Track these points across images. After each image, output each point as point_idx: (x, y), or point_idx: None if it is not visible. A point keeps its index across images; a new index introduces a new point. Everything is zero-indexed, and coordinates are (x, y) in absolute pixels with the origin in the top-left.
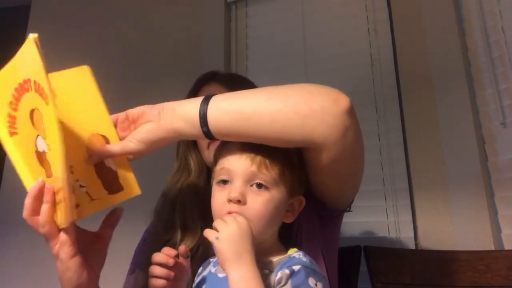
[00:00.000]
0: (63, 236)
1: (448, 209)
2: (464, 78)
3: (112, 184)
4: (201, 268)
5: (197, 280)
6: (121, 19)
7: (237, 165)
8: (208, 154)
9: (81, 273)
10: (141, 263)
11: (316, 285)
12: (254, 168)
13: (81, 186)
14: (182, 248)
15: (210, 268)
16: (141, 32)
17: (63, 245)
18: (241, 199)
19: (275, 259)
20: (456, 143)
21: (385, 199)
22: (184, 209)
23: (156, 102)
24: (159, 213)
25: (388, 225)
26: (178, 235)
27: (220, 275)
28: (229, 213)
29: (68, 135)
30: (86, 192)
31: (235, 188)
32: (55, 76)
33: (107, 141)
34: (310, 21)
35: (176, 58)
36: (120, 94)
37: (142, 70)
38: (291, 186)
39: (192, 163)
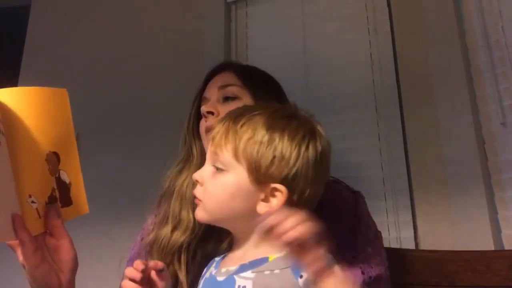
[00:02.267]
0: (22, 248)
1: (448, 209)
2: (464, 78)
3: (64, 197)
4: (205, 269)
5: (201, 282)
6: (121, 19)
7: (208, 147)
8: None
9: (49, 280)
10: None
11: None
12: (213, 149)
13: (32, 202)
14: (152, 263)
15: (212, 270)
16: (141, 32)
17: (24, 257)
18: (201, 181)
19: (274, 254)
20: (456, 143)
21: (385, 199)
22: (180, 200)
23: (156, 101)
24: (158, 207)
25: (388, 225)
26: (169, 227)
27: (219, 278)
28: (194, 195)
29: (29, 147)
30: (36, 209)
31: (200, 171)
32: (35, 90)
33: (58, 158)
34: (310, 21)
35: (176, 58)
36: (120, 94)
37: (142, 69)
38: (256, 170)
39: (195, 152)
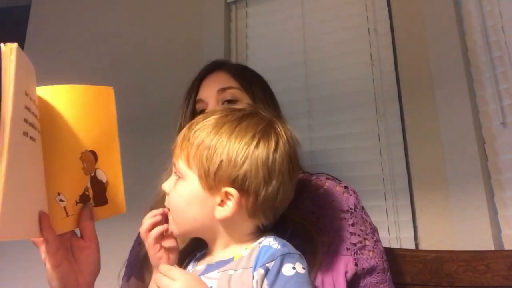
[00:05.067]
0: (46, 246)
1: (448, 209)
2: (464, 78)
3: (99, 196)
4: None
5: None
6: (120, 19)
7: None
8: None
9: (67, 281)
10: (136, 269)
11: (294, 268)
12: (173, 158)
13: (61, 200)
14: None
15: (189, 268)
16: (141, 32)
17: (46, 255)
18: (168, 191)
19: (240, 253)
20: (456, 143)
21: (385, 199)
22: None
23: (156, 101)
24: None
25: (388, 225)
26: None
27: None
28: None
29: (63, 145)
30: (64, 208)
31: (168, 180)
32: (79, 88)
33: (95, 157)
34: (310, 21)
35: (176, 58)
36: (120, 94)
37: (141, 69)
38: (205, 175)
39: None
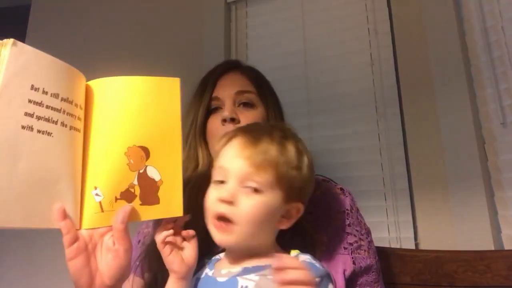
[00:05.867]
0: (64, 237)
1: (448, 209)
2: (464, 78)
3: (147, 195)
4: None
5: (193, 282)
6: (121, 19)
7: (233, 164)
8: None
9: (79, 277)
10: (135, 266)
11: None
12: (248, 169)
13: (97, 195)
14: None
15: (206, 271)
16: (141, 32)
17: (65, 245)
18: (232, 200)
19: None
20: (456, 143)
21: (385, 199)
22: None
23: None
24: None
25: (388, 225)
26: None
27: (220, 279)
28: (219, 215)
29: (107, 139)
30: (99, 203)
31: (227, 189)
32: (140, 80)
33: (146, 153)
34: (310, 21)
35: (176, 58)
36: None
37: (141, 69)
38: (288, 191)
39: (201, 154)
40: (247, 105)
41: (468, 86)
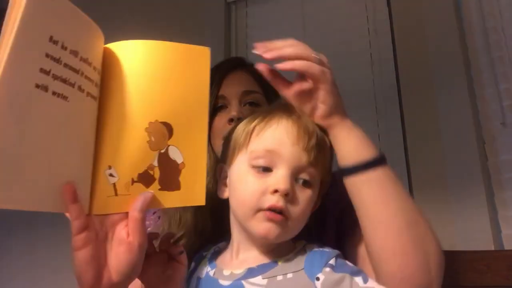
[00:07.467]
0: (73, 223)
1: (448, 209)
2: (464, 78)
3: (168, 179)
4: (193, 264)
5: (191, 280)
6: (121, 19)
7: (290, 152)
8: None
9: (83, 271)
10: None
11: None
12: (307, 160)
13: (111, 175)
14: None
15: (206, 269)
16: (140, 32)
17: (73, 233)
18: (290, 193)
19: (288, 256)
20: (456, 143)
21: None
22: (196, 208)
23: None
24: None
25: None
26: (166, 223)
27: (223, 282)
28: (271, 207)
29: (126, 112)
30: (113, 185)
31: (285, 179)
32: (165, 46)
33: (170, 131)
34: (310, 21)
35: None
36: None
37: None
38: (320, 187)
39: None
40: (253, 105)
41: (468, 86)
